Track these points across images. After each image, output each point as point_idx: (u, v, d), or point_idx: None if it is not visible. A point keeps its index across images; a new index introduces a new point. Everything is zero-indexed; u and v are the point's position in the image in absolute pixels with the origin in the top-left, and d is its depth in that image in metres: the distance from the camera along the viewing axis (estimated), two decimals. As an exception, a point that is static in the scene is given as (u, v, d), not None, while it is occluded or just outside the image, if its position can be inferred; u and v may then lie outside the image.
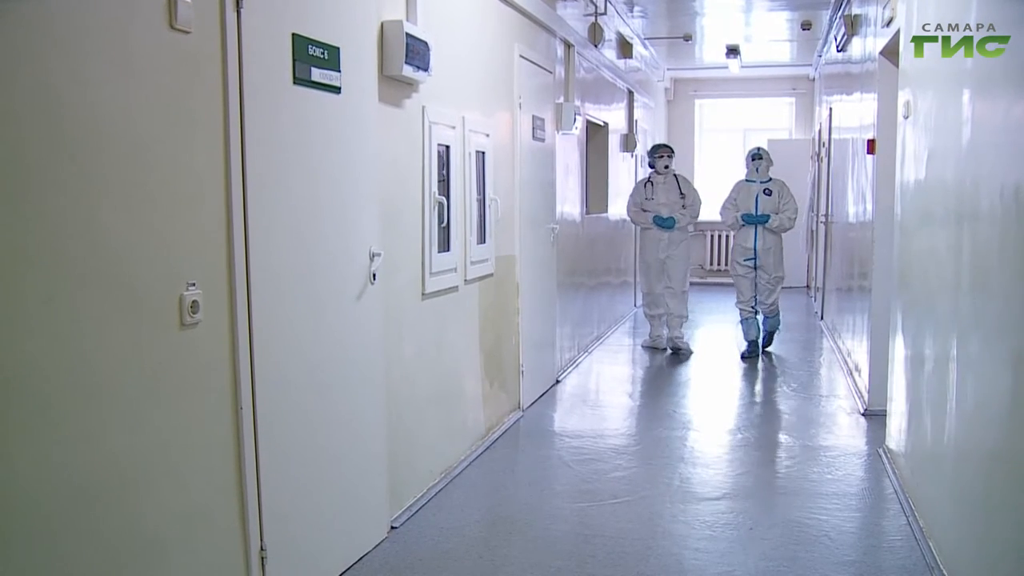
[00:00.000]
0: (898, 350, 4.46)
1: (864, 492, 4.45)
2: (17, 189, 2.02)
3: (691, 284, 8.27)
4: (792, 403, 6.36)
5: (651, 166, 8.07)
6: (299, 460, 3.14)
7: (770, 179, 7.75)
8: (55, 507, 2.12)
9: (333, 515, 3.37)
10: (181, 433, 2.54)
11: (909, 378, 4.13)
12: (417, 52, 3.85)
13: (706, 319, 10.00)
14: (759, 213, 7.64)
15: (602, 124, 8.70)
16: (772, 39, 10.68)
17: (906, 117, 4.42)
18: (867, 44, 6.32)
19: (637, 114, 10.28)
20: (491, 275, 5.23)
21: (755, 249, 7.71)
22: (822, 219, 9.78)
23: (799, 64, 12.33)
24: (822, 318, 9.65)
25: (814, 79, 12.58)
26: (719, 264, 13.35)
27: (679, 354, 7.92)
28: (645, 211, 7.92)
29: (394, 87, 3.88)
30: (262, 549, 2.92)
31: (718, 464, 4.94)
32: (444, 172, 4.48)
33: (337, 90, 3.30)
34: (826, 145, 9.55)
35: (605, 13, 7.82)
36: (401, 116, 4.00)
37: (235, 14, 2.71)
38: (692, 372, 7.36)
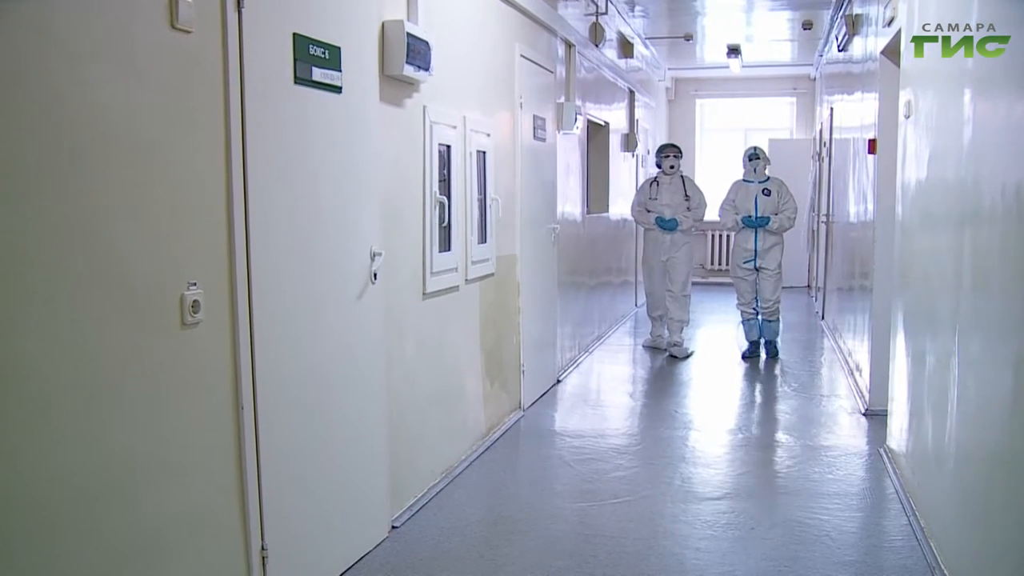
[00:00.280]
0: (899, 350, 4.45)
1: (865, 492, 4.45)
2: (17, 189, 2.02)
3: (692, 284, 8.22)
4: (793, 403, 6.35)
5: (658, 165, 8.04)
6: (300, 459, 3.15)
7: (768, 178, 7.71)
8: (56, 507, 2.12)
9: (334, 514, 3.37)
10: (182, 433, 2.55)
11: (910, 378, 4.13)
12: (418, 52, 3.85)
13: (707, 319, 10.00)
14: (759, 214, 7.60)
15: (603, 124, 8.70)
16: (773, 39, 10.66)
17: (907, 117, 4.42)
18: (868, 44, 6.32)
19: (638, 114, 10.28)
20: (492, 275, 5.23)
21: (755, 250, 7.70)
22: (823, 219, 9.77)
23: (800, 64, 12.32)
24: (823, 318, 9.64)
25: (815, 79, 12.58)
26: (720, 264, 13.35)
27: (676, 359, 7.86)
28: (649, 211, 7.88)
29: (395, 87, 3.89)
30: (263, 548, 2.92)
31: (719, 464, 4.94)
32: (445, 172, 4.48)
33: (338, 90, 3.30)
34: (827, 145, 9.54)
35: (606, 13, 7.82)
36: (402, 116, 4.00)
37: (236, 14, 2.71)
38: (693, 372, 7.36)
